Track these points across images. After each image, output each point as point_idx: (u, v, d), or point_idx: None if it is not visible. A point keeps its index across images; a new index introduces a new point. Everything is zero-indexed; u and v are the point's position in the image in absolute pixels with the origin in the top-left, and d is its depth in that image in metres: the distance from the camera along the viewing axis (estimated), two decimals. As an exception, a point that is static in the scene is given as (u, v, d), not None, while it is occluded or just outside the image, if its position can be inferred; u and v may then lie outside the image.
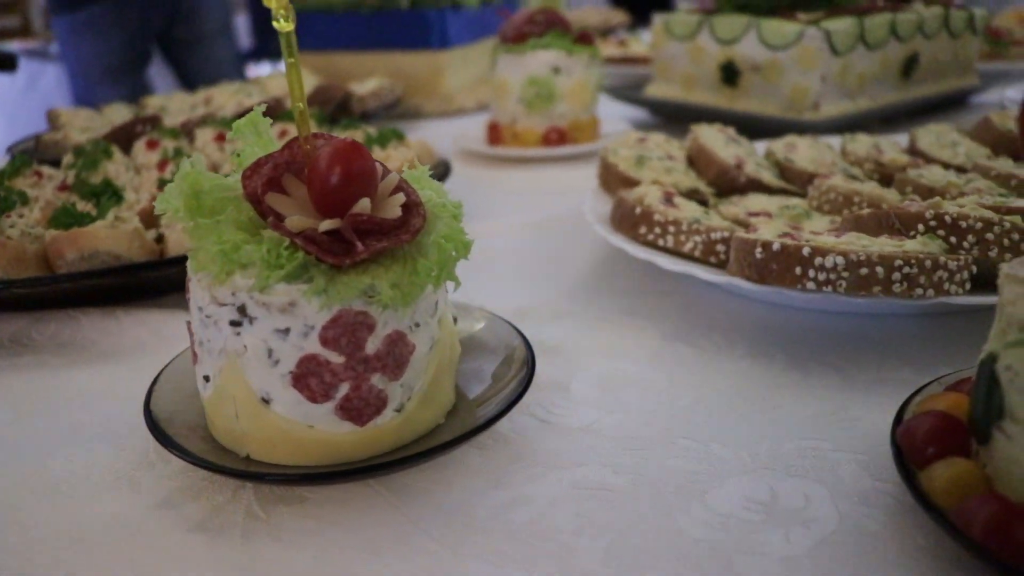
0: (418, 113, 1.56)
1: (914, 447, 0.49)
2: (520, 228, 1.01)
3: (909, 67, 1.42)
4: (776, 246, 0.65)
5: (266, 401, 0.51)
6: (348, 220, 0.50)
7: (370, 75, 1.55)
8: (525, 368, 0.59)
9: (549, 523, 0.50)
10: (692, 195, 0.89)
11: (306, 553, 0.48)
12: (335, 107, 1.33)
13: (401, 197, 0.53)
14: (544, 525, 0.50)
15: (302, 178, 0.52)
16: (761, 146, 1.04)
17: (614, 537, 0.48)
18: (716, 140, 0.96)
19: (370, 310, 0.50)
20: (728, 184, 0.92)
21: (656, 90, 1.51)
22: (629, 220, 0.79)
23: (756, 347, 0.69)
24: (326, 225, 0.49)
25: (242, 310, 0.50)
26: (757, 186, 0.91)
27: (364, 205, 0.50)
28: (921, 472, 0.48)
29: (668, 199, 0.80)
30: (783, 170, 0.95)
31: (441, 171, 1.00)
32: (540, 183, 1.16)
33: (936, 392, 0.54)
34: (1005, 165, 0.86)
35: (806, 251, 0.64)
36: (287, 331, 0.50)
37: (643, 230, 0.78)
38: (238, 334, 0.50)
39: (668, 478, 0.54)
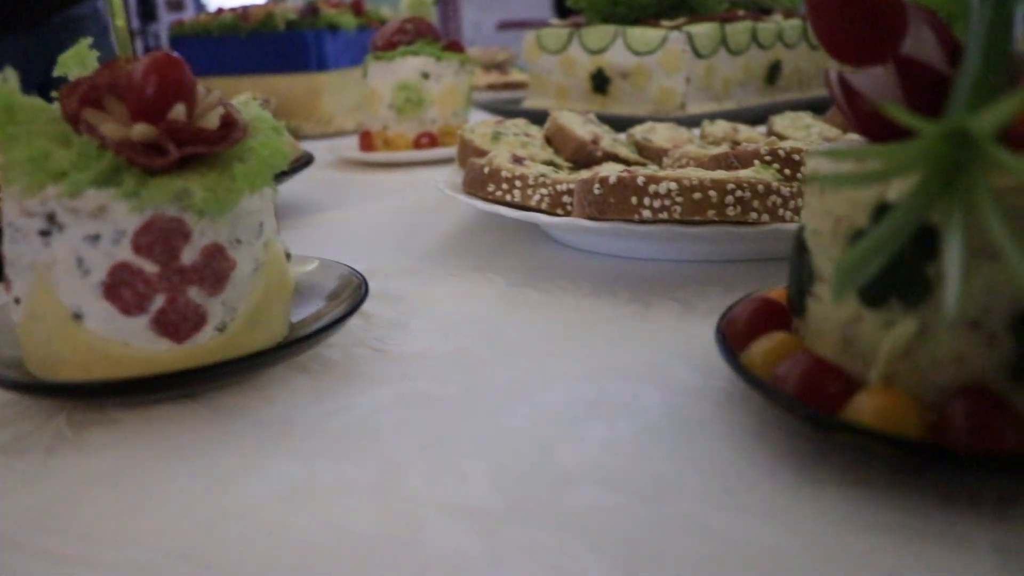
0: (297, 134, 1.55)
1: (736, 332, 0.49)
2: (380, 212, 1.00)
3: (773, 74, 1.47)
4: (612, 179, 0.66)
5: (78, 317, 0.49)
6: (163, 127, 0.49)
7: (246, 97, 1.54)
8: (357, 294, 0.58)
9: (369, 426, 0.48)
10: (549, 165, 0.90)
11: (107, 460, 0.46)
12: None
13: (221, 110, 0.52)
14: (363, 428, 0.48)
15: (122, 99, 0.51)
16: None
17: (435, 433, 0.47)
18: (574, 120, 0.97)
19: (185, 217, 0.49)
20: (585, 158, 0.92)
21: (532, 103, 1.53)
22: (479, 180, 0.79)
23: (601, 287, 0.69)
24: (139, 130, 0.48)
25: (51, 218, 0.48)
26: (614, 160, 0.92)
27: (179, 111, 0.49)
28: (742, 353, 0.48)
29: (517, 160, 0.80)
30: (641, 148, 0.97)
31: (304, 160, 0.99)
32: (410, 183, 1.16)
33: (762, 291, 0.55)
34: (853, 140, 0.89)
35: (640, 180, 0.64)
36: (97, 237, 0.48)
37: (491, 188, 0.78)
38: (47, 244, 0.48)
39: (497, 386, 0.53)
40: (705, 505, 0.39)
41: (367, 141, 1.30)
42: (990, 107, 0.36)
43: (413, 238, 0.88)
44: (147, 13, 6.18)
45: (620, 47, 1.36)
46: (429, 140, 1.27)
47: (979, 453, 0.38)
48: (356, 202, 1.05)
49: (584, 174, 0.78)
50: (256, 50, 1.54)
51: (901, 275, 0.40)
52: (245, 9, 1.56)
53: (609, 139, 0.94)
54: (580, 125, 0.96)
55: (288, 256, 0.59)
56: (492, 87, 1.81)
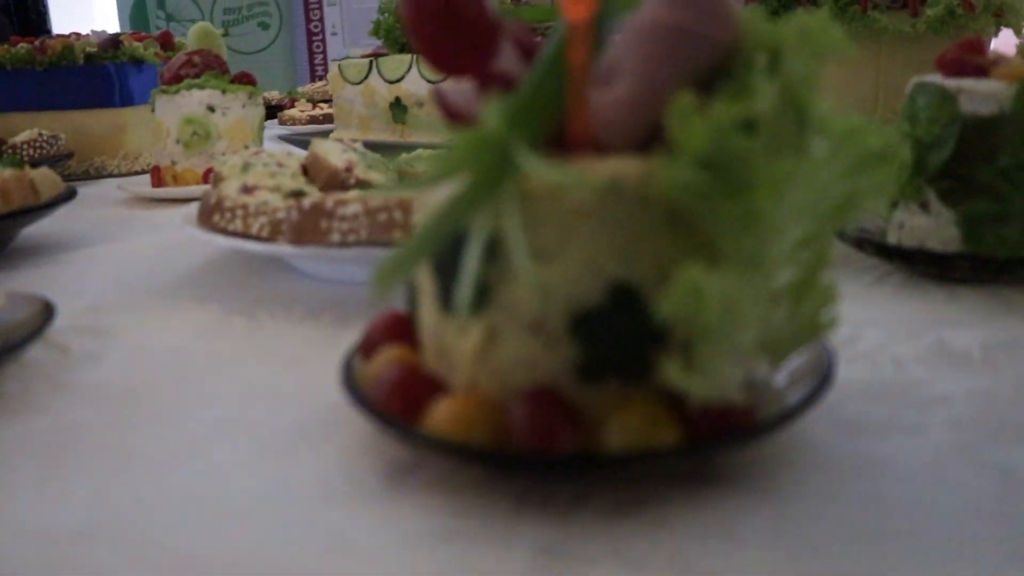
0: (101, 172, 1.53)
1: (366, 346, 0.51)
2: (140, 247, 0.99)
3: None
4: (306, 205, 0.67)
5: None
6: None
7: (48, 136, 1.52)
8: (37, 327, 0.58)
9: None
10: (297, 194, 0.90)
11: None
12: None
13: None
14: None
15: None
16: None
17: (58, 458, 0.47)
18: (333, 149, 0.98)
19: None
20: (338, 187, 0.93)
21: (338, 134, 1.54)
22: (207, 210, 0.80)
23: (311, 312, 0.70)
24: None
25: None
26: (366, 187, 0.93)
27: None
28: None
29: (246, 190, 0.81)
30: (404, 175, 0.98)
31: (65, 196, 0.98)
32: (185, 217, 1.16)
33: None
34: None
35: (330, 204, 0.66)
36: None
37: (216, 217, 0.78)
38: None
39: (148, 412, 0.54)
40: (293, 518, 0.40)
41: (157, 177, 1.29)
42: (523, 116, 0.38)
43: (156, 272, 0.88)
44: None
45: (415, 76, 1.38)
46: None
47: (535, 454, 0.40)
48: (121, 238, 1.05)
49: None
50: (55, 84, 1.52)
51: (458, 281, 0.42)
52: (43, 41, 1.53)
53: (363, 167, 0.95)
54: (338, 154, 0.97)
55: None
56: (313, 119, 1.82)
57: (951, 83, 0.75)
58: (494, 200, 0.39)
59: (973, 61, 0.77)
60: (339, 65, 1.50)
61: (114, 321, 0.71)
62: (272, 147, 1.46)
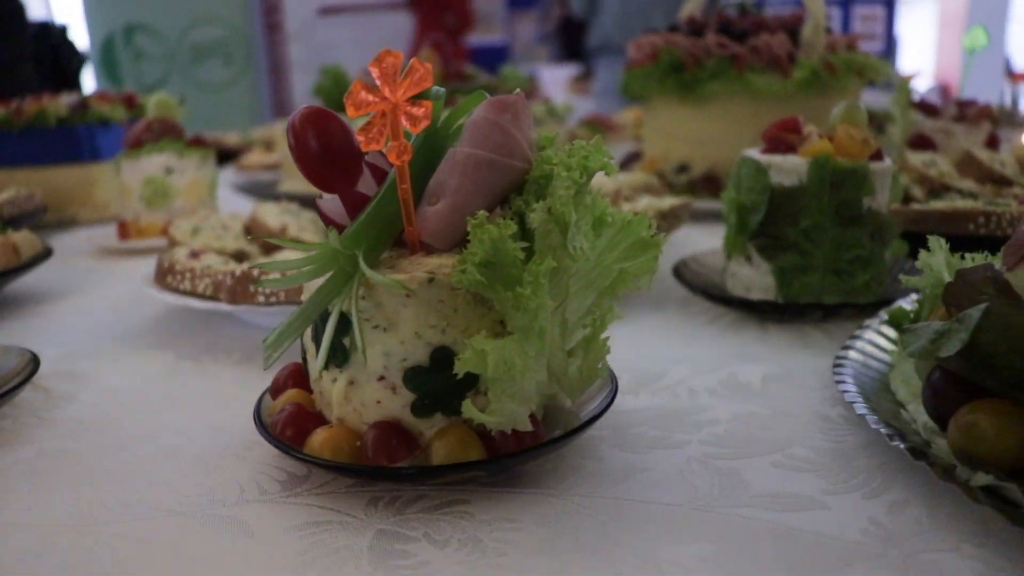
0: (74, 222, 1.69)
1: (274, 390, 0.67)
2: (107, 299, 1.15)
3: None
4: (238, 272, 0.84)
5: None
6: None
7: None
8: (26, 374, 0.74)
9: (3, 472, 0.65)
10: (238, 255, 1.07)
11: None
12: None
13: None
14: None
15: None
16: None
17: (45, 471, 0.64)
18: (270, 212, 1.15)
19: None
20: (274, 247, 1.10)
21: (287, 186, 1.70)
22: (161, 272, 0.96)
23: (247, 356, 0.87)
24: None
25: None
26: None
27: None
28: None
29: (194, 255, 0.98)
30: (333, 232, 1.15)
31: (42, 255, 1.14)
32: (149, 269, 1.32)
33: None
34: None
35: (256, 271, 0.83)
36: None
37: (169, 278, 0.95)
38: None
39: (116, 438, 0.70)
40: (204, 517, 0.57)
41: (124, 230, 1.45)
42: (362, 234, 0.55)
43: (121, 323, 1.04)
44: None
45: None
46: (177, 227, 1.43)
47: (382, 468, 0.56)
48: (91, 290, 1.20)
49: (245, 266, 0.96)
50: (31, 144, 1.68)
51: (330, 347, 0.59)
52: (19, 104, 1.69)
53: (296, 227, 1.12)
54: (274, 216, 1.14)
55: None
56: (267, 166, 1.98)
57: (764, 158, 0.93)
58: (346, 291, 0.56)
59: (785, 139, 0.95)
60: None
61: (87, 366, 0.87)
62: (228, 196, 1.63)
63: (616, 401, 0.65)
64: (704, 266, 1.05)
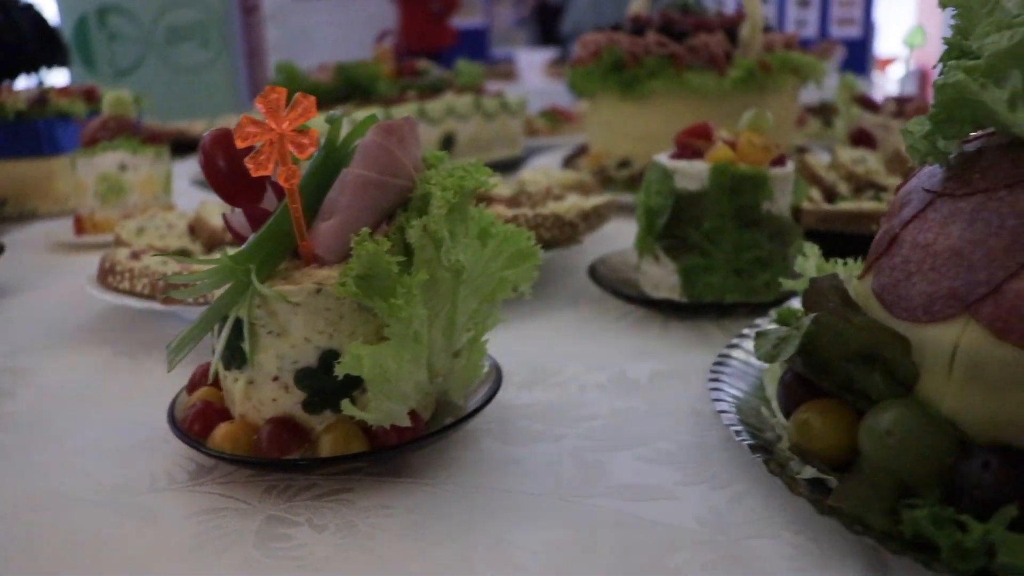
0: (34, 214, 1.73)
1: (190, 386, 0.73)
2: (52, 297, 1.20)
3: (447, 143, 1.73)
4: (170, 272, 0.89)
5: None
6: None
7: (-17, 184, 1.72)
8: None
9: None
10: (182, 252, 1.12)
11: None
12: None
13: None
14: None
15: None
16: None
17: None
18: (214, 211, 1.21)
19: None
20: (218, 244, 1.16)
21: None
22: (103, 272, 1.02)
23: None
24: None
25: None
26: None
27: None
28: (187, 403, 0.72)
29: (135, 255, 1.03)
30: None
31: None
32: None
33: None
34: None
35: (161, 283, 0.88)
36: None
37: (110, 278, 1.00)
38: None
39: (64, 414, 0.75)
40: (106, 509, 0.63)
41: (79, 225, 1.50)
42: (256, 250, 0.61)
43: (65, 320, 1.08)
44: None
45: (305, 131, 1.60)
46: (132, 222, 1.48)
47: (275, 460, 0.62)
48: (42, 286, 1.25)
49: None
50: (-11, 138, 1.72)
51: (231, 350, 0.64)
52: (-26, 99, 1.73)
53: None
54: (219, 214, 1.19)
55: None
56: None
57: (670, 163, 0.98)
58: (242, 300, 0.62)
59: (693, 145, 1.01)
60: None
61: (28, 363, 0.93)
62: (186, 190, 1.68)
63: (509, 396, 0.71)
64: (626, 263, 1.10)
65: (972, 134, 0.63)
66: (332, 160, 0.68)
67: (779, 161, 0.99)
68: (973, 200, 0.58)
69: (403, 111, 1.63)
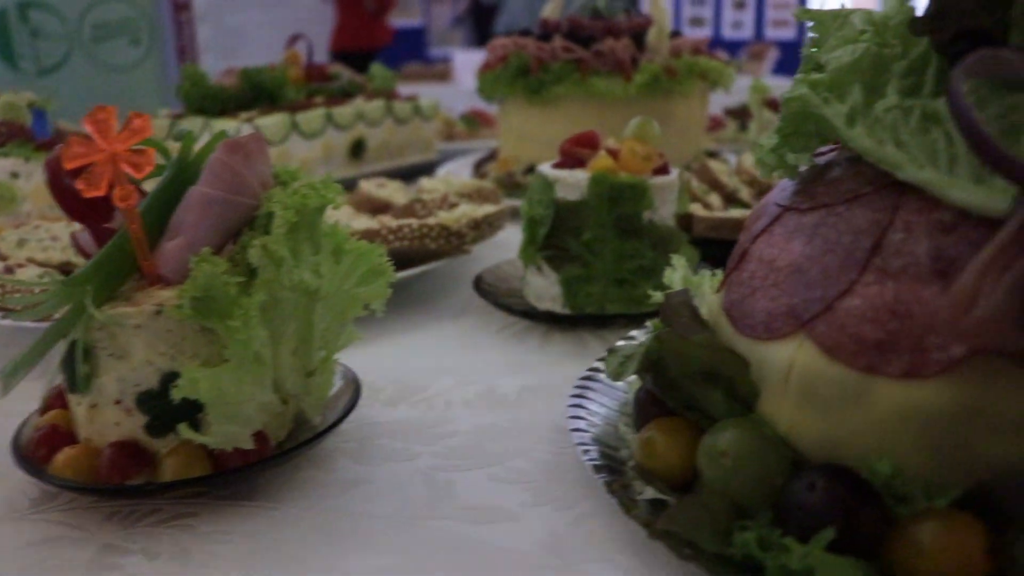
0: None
1: (43, 408, 0.71)
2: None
3: (357, 149, 1.72)
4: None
5: None
6: None
7: None
8: None
9: None
10: (64, 267, 1.10)
11: None
12: None
13: None
14: None
15: None
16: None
17: None
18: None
19: None
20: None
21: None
22: (-26, 287, 0.99)
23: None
24: None
25: None
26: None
27: None
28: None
29: (8, 269, 1.01)
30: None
31: None
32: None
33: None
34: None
35: None
36: None
37: (-19, 293, 0.98)
38: None
39: None
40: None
41: (-29, 233, 1.46)
42: (92, 274, 0.59)
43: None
44: None
45: (207, 138, 1.57)
46: (25, 230, 1.45)
47: (116, 486, 0.61)
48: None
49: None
50: None
51: (72, 373, 0.63)
52: None
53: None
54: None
55: None
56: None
57: (551, 173, 0.98)
58: (81, 323, 0.61)
59: (576, 154, 1.01)
60: (146, 124, 1.68)
61: None
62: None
63: (374, 413, 0.71)
64: (518, 272, 1.09)
65: (825, 147, 0.63)
66: (182, 178, 0.67)
67: (662, 170, 0.99)
68: (815, 215, 0.58)
69: (310, 117, 1.61)
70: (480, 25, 7.05)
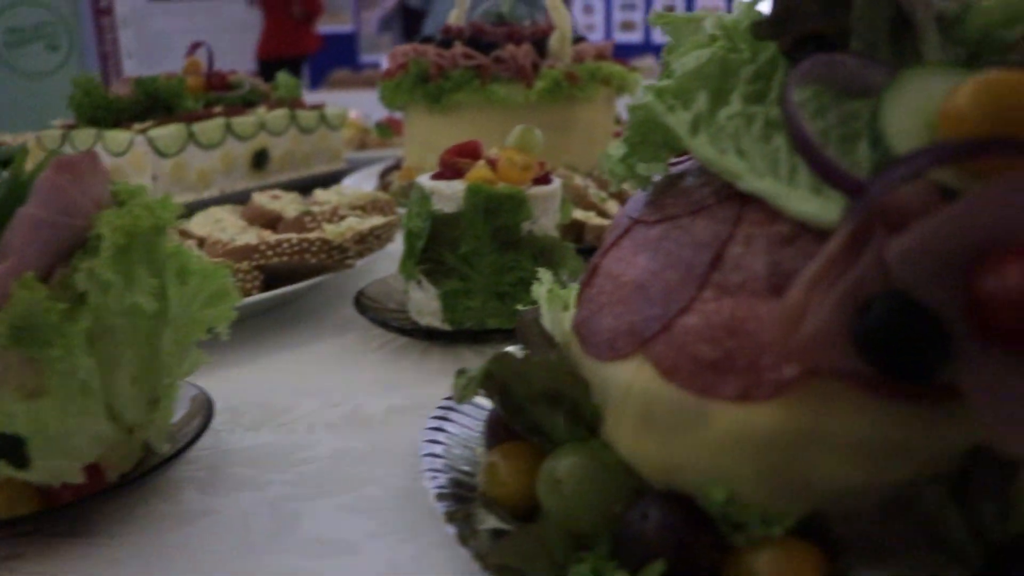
0: None
1: None
2: None
3: (260, 160, 1.68)
4: None
5: None
6: None
7: None
8: None
9: None
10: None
11: None
12: None
13: None
14: None
15: None
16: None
17: None
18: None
19: None
20: None
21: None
22: None
23: None
24: None
25: None
26: None
27: None
28: None
29: None
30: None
31: None
32: None
33: None
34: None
35: None
36: None
37: None
38: None
39: None
40: None
41: None
42: None
43: None
44: None
45: (101, 148, 1.53)
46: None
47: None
48: None
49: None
50: None
51: None
52: None
53: None
54: None
55: None
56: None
57: (428, 184, 0.96)
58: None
59: (455, 164, 0.99)
60: (36, 137, 1.64)
61: None
62: None
63: (232, 440, 0.68)
64: (401, 287, 1.07)
65: (683, 156, 0.62)
66: (13, 198, 0.63)
67: (543, 179, 0.98)
68: (661, 228, 0.57)
69: (209, 127, 1.58)
70: (408, 30, 7.01)
